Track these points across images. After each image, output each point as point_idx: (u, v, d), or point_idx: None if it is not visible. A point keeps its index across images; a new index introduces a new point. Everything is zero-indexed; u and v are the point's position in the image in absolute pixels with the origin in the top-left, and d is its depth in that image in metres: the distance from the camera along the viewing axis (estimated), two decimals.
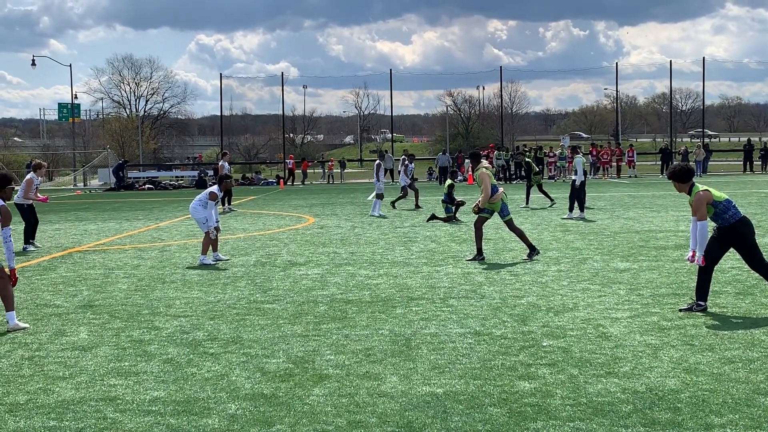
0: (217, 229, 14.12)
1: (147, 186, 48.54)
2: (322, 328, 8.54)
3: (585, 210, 21.04)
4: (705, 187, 8.89)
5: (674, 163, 33.57)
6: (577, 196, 20.94)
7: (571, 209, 21.01)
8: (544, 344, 7.63)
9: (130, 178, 50.98)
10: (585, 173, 21.41)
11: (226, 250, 15.61)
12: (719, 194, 8.90)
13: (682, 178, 9.00)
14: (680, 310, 8.95)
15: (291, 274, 12.31)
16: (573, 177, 21.18)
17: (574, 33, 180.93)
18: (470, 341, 7.82)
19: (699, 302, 8.98)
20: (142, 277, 12.33)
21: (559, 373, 6.68)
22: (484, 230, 14.04)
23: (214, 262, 13.82)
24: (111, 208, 30.81)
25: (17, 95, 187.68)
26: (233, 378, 6.76)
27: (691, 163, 47.76)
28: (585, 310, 9.20)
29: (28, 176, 17.21)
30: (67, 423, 5.72)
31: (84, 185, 55.88)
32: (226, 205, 26.40)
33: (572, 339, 7.84)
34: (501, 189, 13.56)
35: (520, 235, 13.73)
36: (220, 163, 28.62)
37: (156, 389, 6.49)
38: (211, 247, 14.13)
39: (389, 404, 5.98)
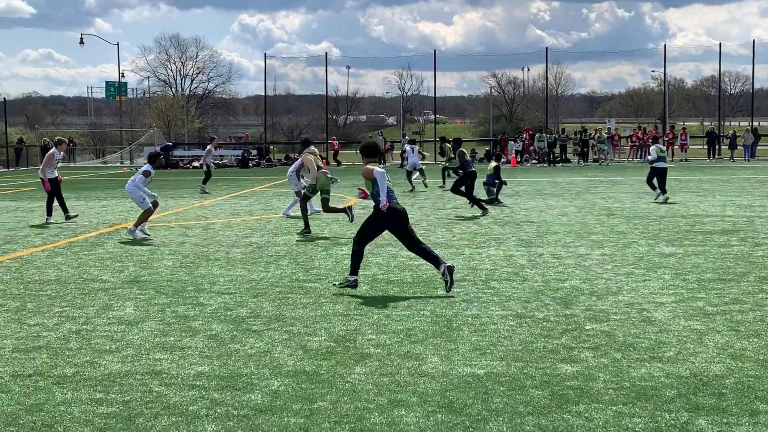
0: (155, 204, 15.08)
1: (192, 165, 48.97)
2: (364, 308, 8.58)
3: (662, 194, 21.01)
4: (375, 166, 9.76)
5: (721, 147, 32.74)
6: (649, 180, 21.21)
7: (663, 192, 20.95)
8: (587, 328, 7.59)
9: (175, 156, 51.45)
10: (663, 159, 21.34)
11: (269, 229, 15.72)
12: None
13: (366, 153, 10.15)
14: None
15: (333, 254, 12.36)
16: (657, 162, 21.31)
17: (618, 14, 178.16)
18: (512, 323, 7.81)
19: None
20: (186, 254, 12.48)
21: (602, 357, 6.65)
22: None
23: (145, 236, 14.59)
24: (156, 186, 31.06)
25: (65, 73, 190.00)
26: (276, 355, 6.83)
27: (739, 147, 47.09)
28: (629, 294, 9.13)
29: (50, 151, 17.84)
30: (113, 396, 5.82)
31: (130, 163, 56.53)
32: (201, 185, 26.39)
33: (616, 323, 7.79)
34: (323, 169, 14.68)
35: (333, 209, 15.04)
36: (207, 147, 28.74)
37: (200, 364, 6.58)
38: (137, 220, 15.01)
39: (430, 384, 6.00)
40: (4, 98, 59.77)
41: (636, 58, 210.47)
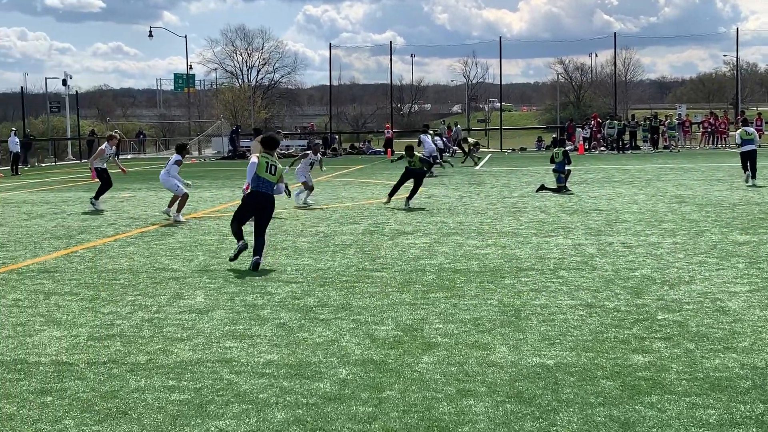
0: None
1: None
2: (431, 297, 8.56)
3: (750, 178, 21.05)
4: (260, 156, 10.82)
5: None
6: (743, 164, 21.29)
7: (752, 176, 21.06)
8: (659, 318, 7.46)
9: (242, 147, 52.05)
10: (749, 142, 21.25)
11: (335, 218, 15.81)
12: (261, 165, 10.71)
13: (264, 144, 11.34)
14: None
15: (399, 243, 12.37)
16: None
17: None
18: (582, 313, 7.71)
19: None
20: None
21: (675, 347, 6.52)
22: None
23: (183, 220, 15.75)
24: (224, 176, 31.56)
25: (134, 66, 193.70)
26: (343, 344, 6.86)
27: None
28: (702, 283, 8.94)
29: (102, 146, 19.50)
30: (185, 383, 5.91)
31: (198, 154, 57.38)
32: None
33: (689, 313, 7.63)
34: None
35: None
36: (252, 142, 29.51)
37: (269, 352, 6.64)
38: (176, 206, 16.13)
39: (499, 374, 5.96)
40: (77, 91, 61.17)
41: (706, 42, 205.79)
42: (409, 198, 17.97)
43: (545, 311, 7.81)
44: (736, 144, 20.99)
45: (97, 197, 19.13)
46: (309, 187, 18.35)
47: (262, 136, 12.10)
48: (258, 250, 10.53)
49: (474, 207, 17.32)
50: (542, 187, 20.63)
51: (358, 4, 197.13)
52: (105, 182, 19.23)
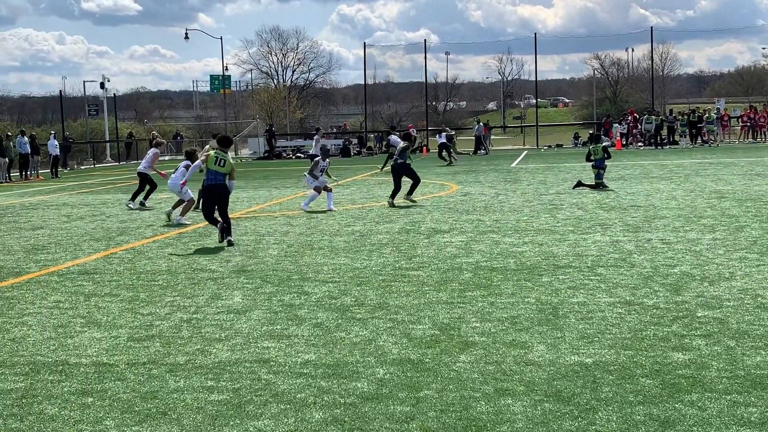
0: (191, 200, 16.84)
1: (296, 154, 49.68)
2: (467, 296, 8.54)
3: None
4: (212, 152, 12.83)
5: None
6: None
7: None
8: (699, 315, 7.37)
9: (278, 147, 52.29)
10: None
11: (371, 217, 15.83)
12: (211, 158, 12.78)
13: (219, 143, 13.25)
14: None
15: (435, 242, 12.35)
16: None
17: None
18: (620, 311, 7.64)
19: None
20: (291, 244, 12.66)
21: (715, 345, 6.44)
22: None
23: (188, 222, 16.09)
24: (261, 176, 31.74)
25: (170, 68, 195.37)
26: (380, 343, 6.86)
27: None
28: (742, 279, 8.81)
29: (157, 150, 20.51)
30: (223, 383, 5.95)
31: (235, 154, 57.75)
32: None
33: (729, 310, 7.53)
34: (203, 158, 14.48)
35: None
36: (315, 137, 31.10)
37: (307, 352, 6.66)
38: (181, 209, 16.58)
39: (537, 373, 5.92)
40: (114, 94, 61.84)
41: (744, 36, 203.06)
42: (409, 193, 18.47)
43: (583, 309, 7.75)
44: None
45: (133, 198, 19.85)
46: (326, 189, 17.94)
47: (219, 136, 13.82)
48: (227, 230, 12.71)
49: (510, 204, 17.24)
50: (579, 184, 20.48)
51: (391, 2, 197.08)
52: (151, 184, 19.99)
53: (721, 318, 7.25)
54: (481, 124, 49.39)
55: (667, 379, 5.67)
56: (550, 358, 6.26)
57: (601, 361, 6.12)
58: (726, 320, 7.17)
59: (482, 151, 46.76)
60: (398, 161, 18.77)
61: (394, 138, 31.16)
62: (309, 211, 17.10)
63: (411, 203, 18.03)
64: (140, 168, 20.15)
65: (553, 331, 7.04)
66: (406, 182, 18.44)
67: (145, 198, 19.99)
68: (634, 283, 8.81)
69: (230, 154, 13.28)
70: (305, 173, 18.34)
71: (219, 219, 12.88)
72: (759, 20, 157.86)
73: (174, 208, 16.95)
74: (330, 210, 17.17)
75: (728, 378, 5.66)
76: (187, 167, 16.66)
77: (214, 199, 12.89)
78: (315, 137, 36.50)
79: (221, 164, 12.79)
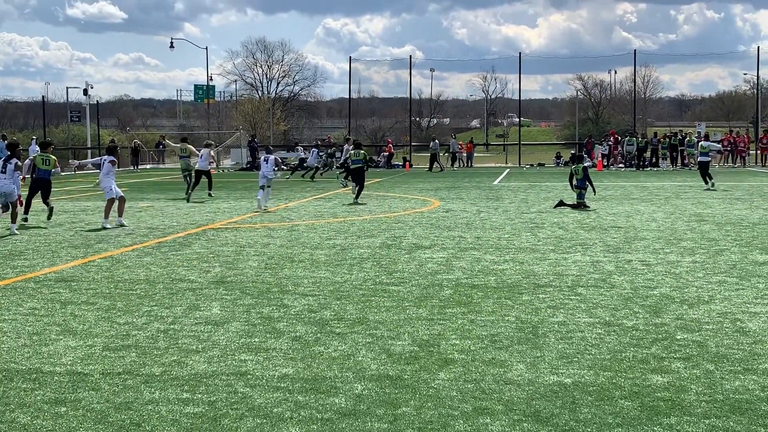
0: (121, 199, 17.49)
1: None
2: (447, 312, 8.51)
3: None
4: (37, 156, 17.00)
5: None
6: None
7: None
8: (678, 338, 7.37)
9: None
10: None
11: (352, 231, 15.80)
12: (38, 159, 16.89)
13: (41, 147, 17.59)
14: None
15: (416, 257, 12.32)
16: None
17: (707, 16, 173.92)
18: (600, 331, 7.63)
19: None
20: (271, 256, 12.60)
21: (694, 368, 6.43)
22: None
23: (116, 227, 16.88)
24: (242, 187, 31.63)
25: (154, 77, 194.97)
26: (359, 358, 6.81)
27: None
28: (721, 303, 8.84)
29: (211, 150, 26.26)
30: (199, 396, 5.88)
31: (217, 165, 57.56)
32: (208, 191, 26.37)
33: (708, 333, 7.54)
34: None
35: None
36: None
37: (285, 366, 6.60)
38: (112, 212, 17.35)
39: (516, 392, 5.89)
40: (97, 101, 61.53)
41: (726, 61, 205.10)
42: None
43: (563, 329, 7.74)
44: None
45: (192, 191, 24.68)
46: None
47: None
48: (49, 215, 17.86)
49: (492, 222, 17.25)
50: (561, 203, 20.55)
51: (377, 18, 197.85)
52: (209, 178, 25.83)
53: (700, 341, 7.25)
54: (436, 141, 50.33)
55: (646, 402, 5.65)
56: (529, 377, 6.24)
57: (580, 382, 6.10)
58: (705, 343, 7.17)
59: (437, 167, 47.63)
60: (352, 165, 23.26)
61: (345, 147, 33.26)
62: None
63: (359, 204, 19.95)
64: (199, 166, 25.41)
65: (532, 350, 7.01)
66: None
67: (192, 189, 24.67)
68: (613, 304, 8.81)
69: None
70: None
71: (28, 210, 17.60)
72: (741, 46, 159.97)
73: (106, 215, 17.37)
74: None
75: (707, 402, 5.65)
76: (112, 163, 17.58)
77: (39, 189, 17.73)
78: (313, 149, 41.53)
79: (47, 163, 17.51)
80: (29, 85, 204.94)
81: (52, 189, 18.43)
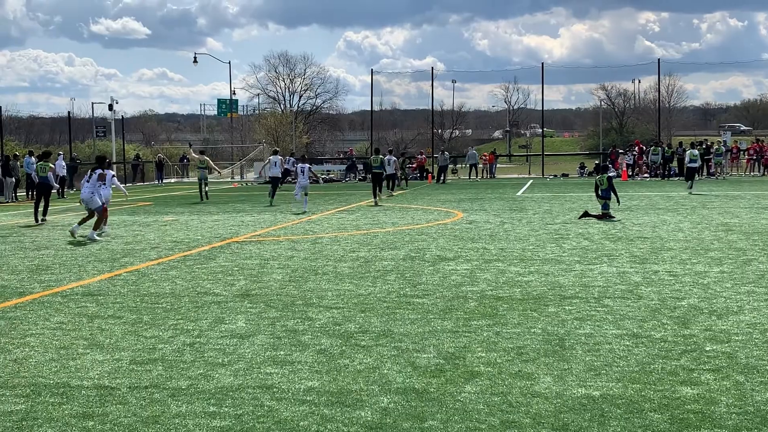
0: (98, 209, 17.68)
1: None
2: (473, 325, 8.47)
3: None
4: (38, 163, 20.96)
5: None
6: None
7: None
8: (707, 349, 7.28)
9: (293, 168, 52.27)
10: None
11: (376, 243, 15.78)
12: (39, 167, 19.97)
13: (40, 157, 21.83)
14: None
15: (440, 269, 12.29)
16: None
17: (731, 24, 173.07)
18: (628, 343, 7.56)
19: None
20: (295, 268, 12.61)
21: (724, 380, 6.36)
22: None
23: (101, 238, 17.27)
24: (266, 200, 31.71)
25: (178, 91, 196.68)
26: (385, 371, 6.79)
27: None
28: (750, 314, 8.73)
29: (281, 158, 29.16)
30: (226, 409, 5.88)
31: (241, 178, 57.82)
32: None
33: (738, 344, 7.45)
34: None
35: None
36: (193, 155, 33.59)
37: (310, 379, 6.59)
38: (94, 224, 17.60)
39: (543, 405, 5.84)
40: (122, 116, 62.08)
41: (750, 69, 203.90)
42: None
43: (590, 341, 7.67)
44: None
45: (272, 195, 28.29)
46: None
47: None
48: (44, 210, 21.09)
49: (516, 233, 17.18)
50: (585, 214, 20.44)
51: (398, 30, 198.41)
52: (279, 183, 30.04)
53: (729, 352, 7.17)
54: (446, 153, 50.83)
55: (676, 414, 5.59)
56: (556, 390, 6.18)
57: (608, 395, 6.04)
58: (735, 355, 7.08)
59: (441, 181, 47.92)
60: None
61: (274, 159, 30.48)
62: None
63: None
64: (272, 173, 28.80)
65: (559, 362, 6.96)
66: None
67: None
68: (641, 315, 8.73)
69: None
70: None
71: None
72: (765, 54, 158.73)
73: (80, 224, 17.98)
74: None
75: (737, 414, 5.57)
76: (100, 176, 17.70)
77: (43, 191, 21.24)
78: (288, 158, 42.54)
79: (44, 171, 21.60)
80: (54, 100, 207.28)
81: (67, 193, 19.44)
